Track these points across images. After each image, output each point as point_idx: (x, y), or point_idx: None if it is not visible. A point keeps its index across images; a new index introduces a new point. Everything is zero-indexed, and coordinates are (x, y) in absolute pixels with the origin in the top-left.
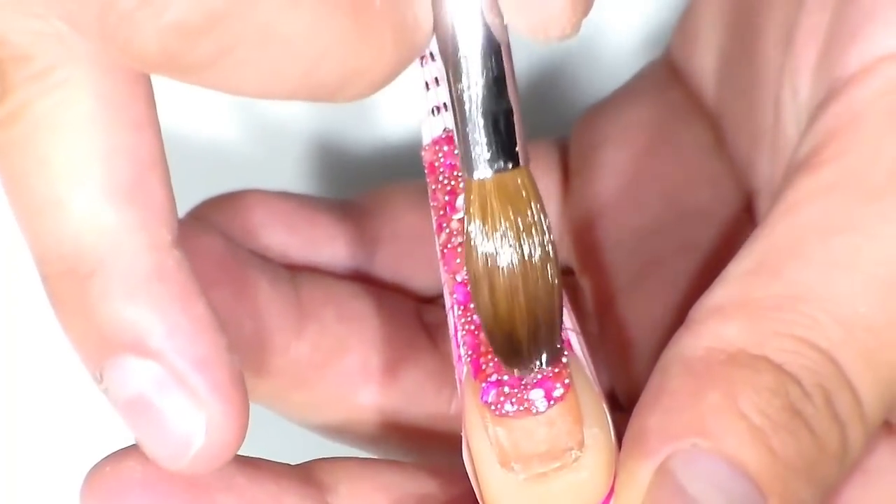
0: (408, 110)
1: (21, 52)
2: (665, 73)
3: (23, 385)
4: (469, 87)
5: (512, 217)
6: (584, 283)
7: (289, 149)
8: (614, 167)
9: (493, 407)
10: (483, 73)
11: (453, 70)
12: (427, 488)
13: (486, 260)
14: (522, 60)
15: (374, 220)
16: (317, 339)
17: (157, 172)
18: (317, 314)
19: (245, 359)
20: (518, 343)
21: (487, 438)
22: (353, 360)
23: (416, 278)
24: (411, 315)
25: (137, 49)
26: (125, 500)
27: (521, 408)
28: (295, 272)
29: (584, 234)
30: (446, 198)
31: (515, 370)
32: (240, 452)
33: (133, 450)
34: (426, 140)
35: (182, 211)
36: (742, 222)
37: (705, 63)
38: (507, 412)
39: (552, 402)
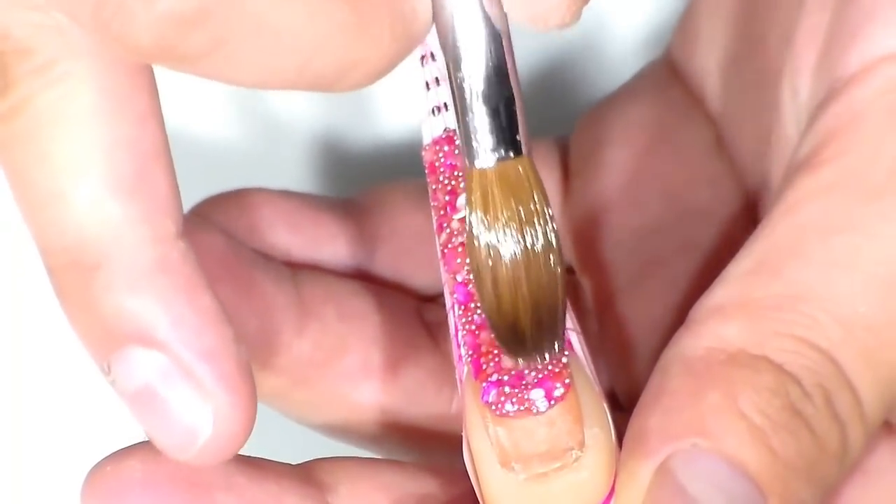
0: (408, 110)
1: (23, 46)
2: (665, 72)
3: (27, 381)
4: (469, 76)
5: (514, 206)
6: (585, 283)
7: (290, 147)
8: (615, 167)
9: (493, 407)
10: (483, 62)
11: (453, 59)
12: (427, 488)
13: (489, 250)
14: (523, 60)
15: (375, 219)
16: (318, 338)
17: (160, 164)
18: (318, 312)
19: None
20: (522, 333)
21: (488, 438)
22: (354, 358)
23: (417, 277)
24: (412, 313)
25: (132, 40)
26: (126, 499)
27: (522, 408)
28: (296, 270)
29: (585, 234)
30: (447, 198)
31: (519, 360)
32: (240, 452)
33: (134, 449)
34: (426, 140)
35: (183, 209)
36: (742, 222)
37: (706, 63)
38: (508, 412)
39: (552, 402)
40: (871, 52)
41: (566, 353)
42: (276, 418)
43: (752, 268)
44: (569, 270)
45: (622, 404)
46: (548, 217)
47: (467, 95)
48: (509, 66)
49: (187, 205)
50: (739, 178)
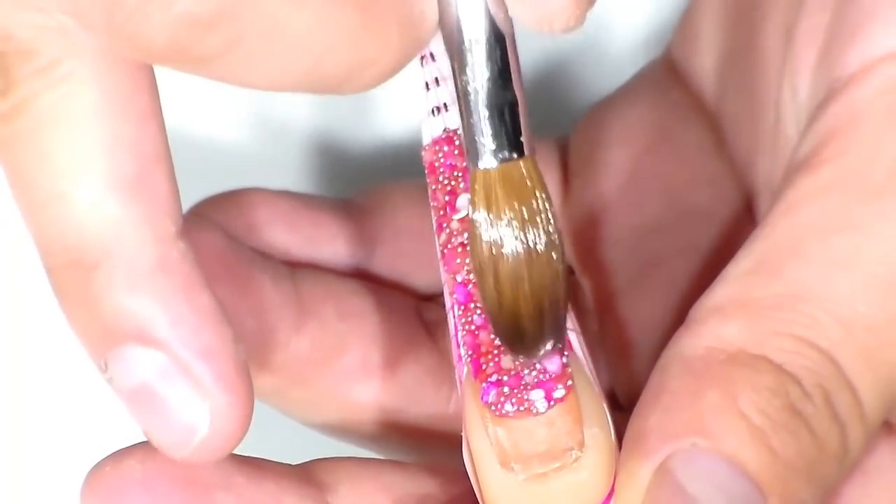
0: (408, 110)
1: (25, 47)
2: (665, 73)
3: (27, 381)
4: (474, 79)
5: (517, 206)
6: (585, 283)
7: (289, 147)
8: (615, 167)
9: (493, 407)
10: (488, 65)
11: (458, 62)
12: (427, 488)
13: (491, 248)
14: (523, 59)
15: (374, 218)
16: (317, 336)
17: (161, 164)
18: (317, 311)
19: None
20: (523, 331)
21: (487, 438)
22: (353, 357)
23: (416, 276)
24: (411, 312)
25: (145, 41)
26: (125, 499)
27: (521, 408)
28: (295, 269)
29: (585, 234)
30: (446, 198)
31: (521, 358)
32: (240, 452)
33: (133, 449)
34: (426, 140)
35: (182, 209)
36: (742, 222)
37: (706, 63)
38: (508, 412)
39: (552, 403)
40: (871, 52)
41: (566, 353)
42: (276, 418)
43: (752, 268)
44: (569, 271)
45: (622, 404)
46: (550, 217)
47: (472, 98)
48: (514, 69)
49: (186, 204)
50: (739, 178)
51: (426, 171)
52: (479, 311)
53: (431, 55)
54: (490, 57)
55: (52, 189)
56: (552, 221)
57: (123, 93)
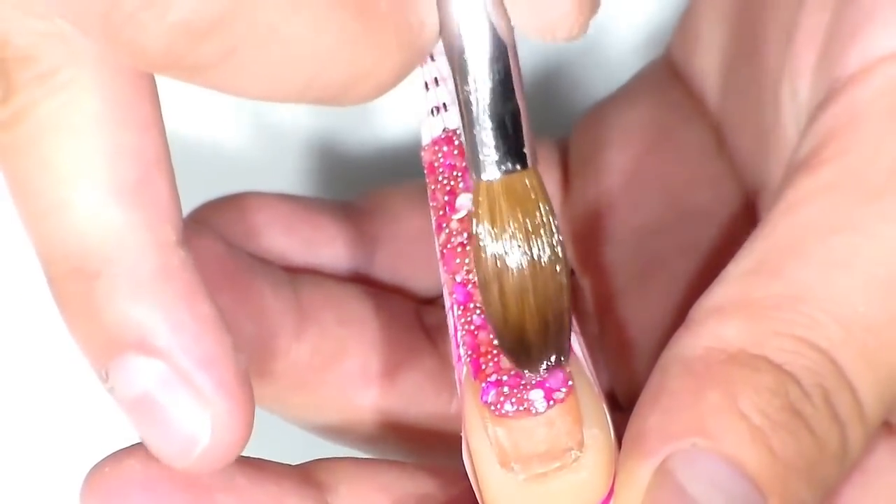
0: (408, 110)
1: (25, 53)
2: (665, 73)
3: (27, 381)
4: (476, 90)
5: (520, 218)
6: (585, 283)
7: (288, 150)
8: (615, 167)
9: (492, 407)
10: (490, 75)
11: (460, 72)
12: (427, 488)
13: (496, 261)
14: (523, 61)
15: (374, 222)
16: (317, 342)
17: (161, 171)
18: (317, 317)
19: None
20: (528, 344)
21: (487, 438)
22: (353, 362)
23: (416, 279)
24: (411, 316)
25: (141, 49)
26: (125, 500)
27: (521, 408)
28: (295, 275)
29: (585, 234)
30: (446, 198)
31: (525, 371)
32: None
33: (133, 450)
34: (425, 140)
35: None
36: (742, 222)
37: (706, 63)
38: (507, 412)
39: (552, 403)
40: (871, 53)
41: (569, 370)
42: (276, 419)
43: (752, 268)
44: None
45: (622, 404)
46: (554, 229)
47: (474, 108)
48: (516, 78)
49: (186, 208)
50: (739, 178)
51: (425, 172)
52: (478, 311)
53: (431, 55)
54: (492, 67)
55: (52, 197)
56: (556, 233)
57: (124, 100)
